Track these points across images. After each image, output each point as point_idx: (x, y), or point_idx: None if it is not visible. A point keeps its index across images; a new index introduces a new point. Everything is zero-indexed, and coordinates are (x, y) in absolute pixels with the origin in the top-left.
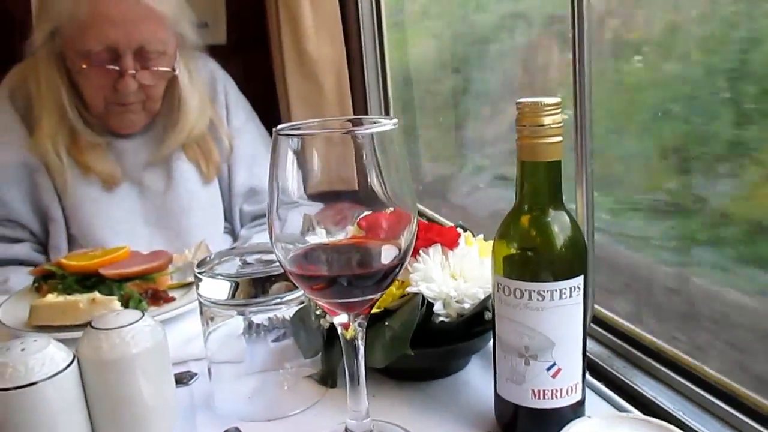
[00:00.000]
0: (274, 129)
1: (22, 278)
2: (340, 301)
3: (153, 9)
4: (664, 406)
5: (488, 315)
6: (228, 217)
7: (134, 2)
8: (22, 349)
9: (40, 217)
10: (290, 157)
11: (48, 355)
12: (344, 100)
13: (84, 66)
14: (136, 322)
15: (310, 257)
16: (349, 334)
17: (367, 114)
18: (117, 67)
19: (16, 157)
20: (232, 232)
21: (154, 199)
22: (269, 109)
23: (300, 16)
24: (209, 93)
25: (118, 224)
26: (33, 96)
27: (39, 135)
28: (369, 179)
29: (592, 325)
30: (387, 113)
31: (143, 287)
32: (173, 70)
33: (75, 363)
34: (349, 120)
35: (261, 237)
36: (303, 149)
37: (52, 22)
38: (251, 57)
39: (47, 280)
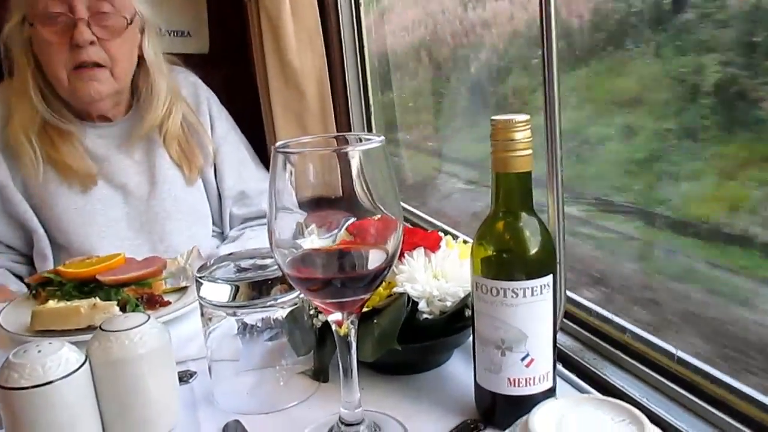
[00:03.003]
0: (273, 146)
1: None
2: (334, 300)
3: None
4: (630, 394)
5: (468, 312)
6: (217, 221)
7: None
8: (39, 351)
9: (20, 231)
10: (288, 171)
11: (63, 357)
12: (326, 109)
13: (43, 30)
14: (143, 324)
15: (306, 261)
16: (342, 331)
17: (350, 124)
18: (70, 16)
19: None
20: (221, 235)
21: (137, 205)
22: (252, 118)
23: (281, 26)
24: (193, 105)
25: (103, 230)
26: (9, 104)
27: (12, 126)
28: (358, 189)
29: (564, 320)
30: (369, 122)
31: (139, 292)
32: (128, 22)
33: (87, 363)
34: (340, 135)
35: (250, 237)
36: (299, 164)
37: (21, 9)
38: (233, 66)
39: (45, 287)
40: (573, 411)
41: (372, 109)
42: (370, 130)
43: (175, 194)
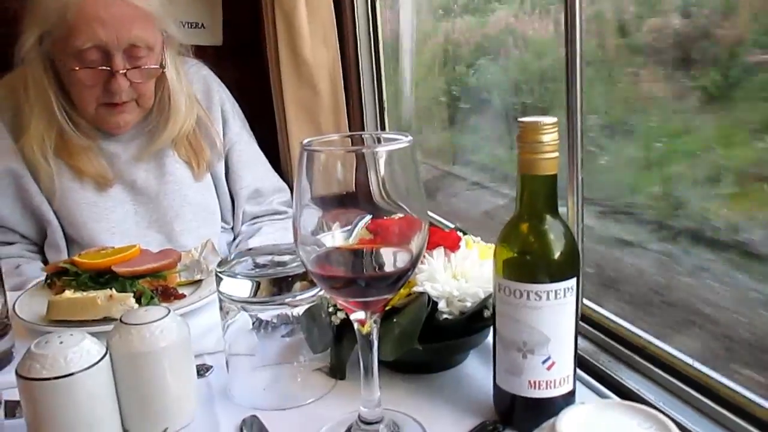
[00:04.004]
0: (301, 143)
1: (33, 266)
2: (357, 299)
3: (139, 7)
4: (645, 397)
5: (487, 313)
6: (227, 217)
7: (121, 2)
8: (61, 342)
9: (34, 221)
10: (315, 169)
11: (84, 348)
12: (339, 104)
13: (75, 68)
14: (164, 317)
15: (331, 259)
16: (365, 330)
17: (363, 120)
18: (108, 68)
19: (2, 164)
20: (230, 231)
21: (147, 201)
22: (264, 112)
23: (295, 19)
24: (204, 100)
25: (114, 226)
26: (21, 103)
27: (27, 139)
28: (384, 189)
29: (579, 322)
30: (382, 118)
31: (154, 284)
32: (161, 67)
33: (108, 355)
34: (366, 133)
35: (269, 232)
36: (326, 162)
37: (40, 27)
38: (246, 59)
39: (60, 276)
40: (599, 416)
41: (386, 105)
42: (383, 127)
43: (184, 192)
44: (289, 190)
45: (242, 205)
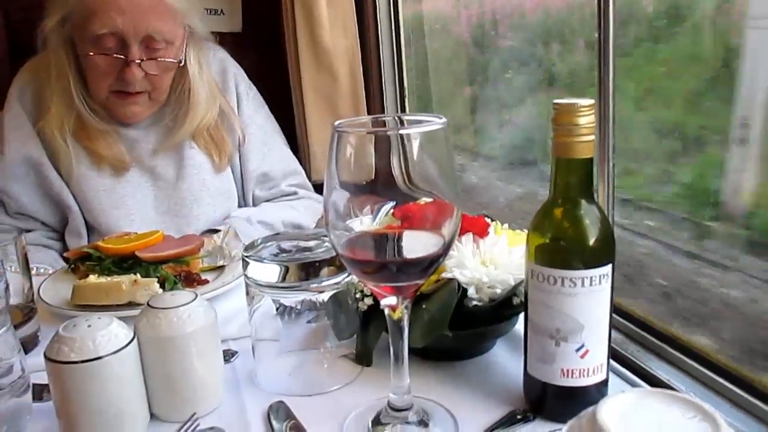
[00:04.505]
0: (333, 124)
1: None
2: (389, 284)
3: (161, 0)
4: (675, 386)
5: (516, 300)
6: (242, 203)
7: None
8: (89, 326)
9: (54, 208)
10: (346, 151)
11: (112, 332)
12: (358, 91)
13: (91, 53)
14: (191, 302)
15: (362, 243)
16: (396, 315)
17: (383, 106)
18: (123, 56)
19: (21, 152)
20: None
21: (166, 188)
22: (282, 98)
23: (314, 5)
24: (220, 83)
25: (132, 213)
26: (43, 86)
27: (47, 121)
28: (407, 171)
29: None
30: (402, 105)
31: (177, 270)
32: (179, 62)
33: (135, 339)
34: (397, 116)
35: (267, 206)
36: (358, 144)
37: (62, 9)
38: (265, 46)
39: (84, 261)
40: (640, 405)
41: (406, 92)
42: (404, 113)
43: (203, 177)
44: (302, 174)
45: (251, 188)
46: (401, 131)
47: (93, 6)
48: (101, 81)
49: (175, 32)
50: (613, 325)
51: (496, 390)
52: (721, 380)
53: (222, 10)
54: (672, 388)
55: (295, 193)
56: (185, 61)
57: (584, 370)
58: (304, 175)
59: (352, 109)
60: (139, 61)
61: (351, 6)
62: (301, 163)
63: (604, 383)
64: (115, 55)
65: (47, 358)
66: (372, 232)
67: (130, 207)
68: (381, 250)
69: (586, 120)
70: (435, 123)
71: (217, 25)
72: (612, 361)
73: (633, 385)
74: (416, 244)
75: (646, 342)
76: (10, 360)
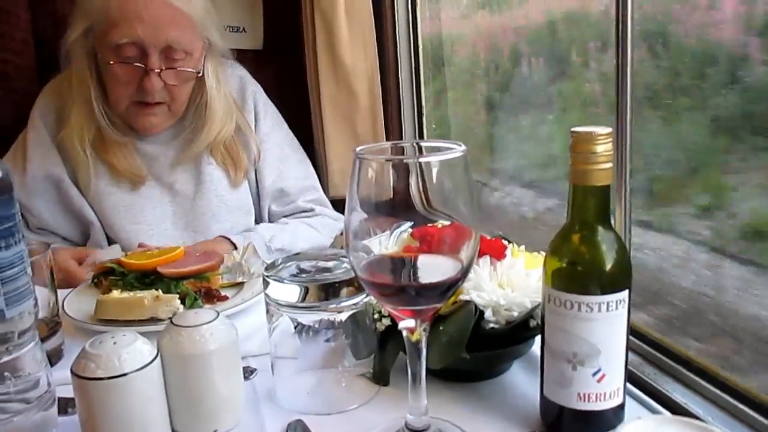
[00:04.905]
0: (354, 151)
1: None
2: (408, 308)
3: (180, 11)
4: (693, 411)
5: (533, 322)
6: (258, 218)
7: (162, 3)
8: (114, 343)
9: (76, 223)
10: (367, 175)
11: (137, 349)
12: (376, 109)
13: (112, 62)
14: (213, 320)
15: (381, 266)
16: (414, 338)
17: (401, 124)
18: (143, 65)
19: (43, 169)
20: None
21: (184, 204)
22: (301, 114)
23: (335, 24)
24: (239, 100)
25: (151, 228)
26: (65, 101)
27: (67, 131)
28: (432, 195)
29: None
30: (420, 124)
31: (197, 286)
32: (198, 72)
33: (159, 356)
34: (416, 142)
35: (286, 222)
36: (378, 170)
37: (85, 20)
38: (285, 62)
39: (107, 276)
40: None
41: (424, 110)
42: (421, 133)
43: (221, 193)
44: (320, 191)
45: (267, 204)
46: (421, 159)
47: (115, 17)
48: (121, 90)
49: (194, 43)
50: (629, 348)
51: (512, 412)
52: (738, 404)
53: (243, 28)
54: (689, 412)
55: (312, 210)
56: (203, 72)
57: (601, 395)
58: (322, 191)
59: (370, 127)
60: (158, 71)
61: (370, 24)
62: (319, 179)
63: (621, 407)
64: (135, 64)
65: (74, 374)
66: (391, 256)
67: (149, 222)
68: (399, 273)
69: (604, 148)
70: (455, 151)
71: (239, 42)
72: (629, 385)
73: (650, 408)
74: (434, 269)
75: (662, 364)
76: (37, 374)
